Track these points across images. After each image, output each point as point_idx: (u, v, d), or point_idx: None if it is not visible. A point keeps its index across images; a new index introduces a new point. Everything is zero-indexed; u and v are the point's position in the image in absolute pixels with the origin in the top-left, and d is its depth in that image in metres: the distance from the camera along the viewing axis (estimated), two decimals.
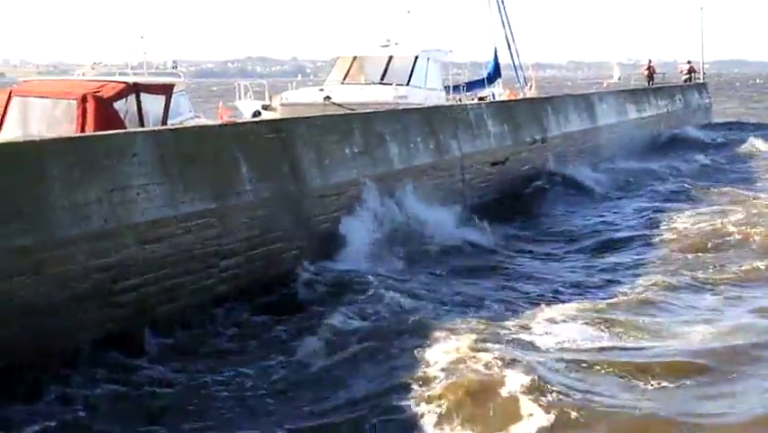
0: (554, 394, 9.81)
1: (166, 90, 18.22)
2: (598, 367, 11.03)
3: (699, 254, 17.70)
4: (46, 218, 11.23)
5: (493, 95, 30.95)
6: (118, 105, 16.92)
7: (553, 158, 28.87)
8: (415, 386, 10.42)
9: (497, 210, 22.69)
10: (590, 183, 27.72)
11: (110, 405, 10.40)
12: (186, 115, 19.59)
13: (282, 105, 24.99)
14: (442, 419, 9.66)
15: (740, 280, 15.61)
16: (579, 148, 32.21)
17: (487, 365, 10.57)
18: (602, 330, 12.70)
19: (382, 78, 26.35)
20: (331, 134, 17.87)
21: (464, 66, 34.74)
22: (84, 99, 16.38)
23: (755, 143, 40.34)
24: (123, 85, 17.36)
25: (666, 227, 20.57)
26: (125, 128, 16.15)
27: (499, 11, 33.67)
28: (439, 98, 27.24)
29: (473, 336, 11.73)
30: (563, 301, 14.62)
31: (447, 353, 11.17)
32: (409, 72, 26.42)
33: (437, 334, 12.02)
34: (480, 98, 29.43)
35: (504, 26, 33.71)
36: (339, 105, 23.53)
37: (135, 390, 10.86)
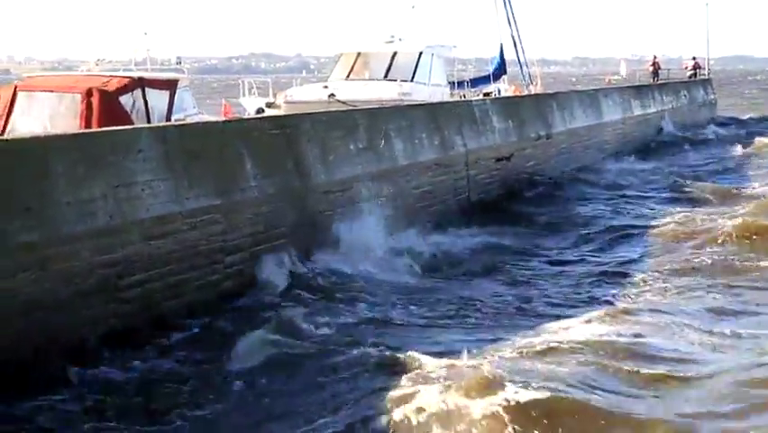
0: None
1: (170, 85, 18.24)
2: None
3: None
4: (51, 214, 11.24)
5: (499, 90, 30.94)
6: (124, 99, 16.95)
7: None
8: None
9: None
10: None
11: (115, 400, 10.40)
12: (189, 111, 19.59)
13: (286, 102, 24.98)
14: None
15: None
16: (584, 144, 32.20)
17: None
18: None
19: (386, 75, 26.35)
20: (335, 130, 17.86)
21: (469, 62, 34.77)
22: (89, 93, 16.42)
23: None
24: (129, 79, 17.40)
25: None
26: (132, 123, 16.18)
27: (505, 7, 33.69)
28: (443, 94, 27.23)
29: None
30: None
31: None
32: (413, 68, 26.43)
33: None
34: (486, 94, 29.42)
35: (510, 23, 33.70)
36: (343, 102, 23.51)
37: (140, 384, 10.86)
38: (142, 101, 17.28)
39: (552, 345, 11.58)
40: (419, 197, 20.27)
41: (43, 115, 16.81)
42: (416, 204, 20.00)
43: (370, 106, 21.22)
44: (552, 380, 10.09)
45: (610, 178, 29.30)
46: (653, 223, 20.97)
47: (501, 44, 32.59)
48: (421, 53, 26.74)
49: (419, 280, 16.17)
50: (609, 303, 14.35)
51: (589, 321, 13.08)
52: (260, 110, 24.18)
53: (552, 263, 17.67)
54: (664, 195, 25.81)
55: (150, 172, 12.96)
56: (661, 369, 10.87)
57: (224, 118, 20.28)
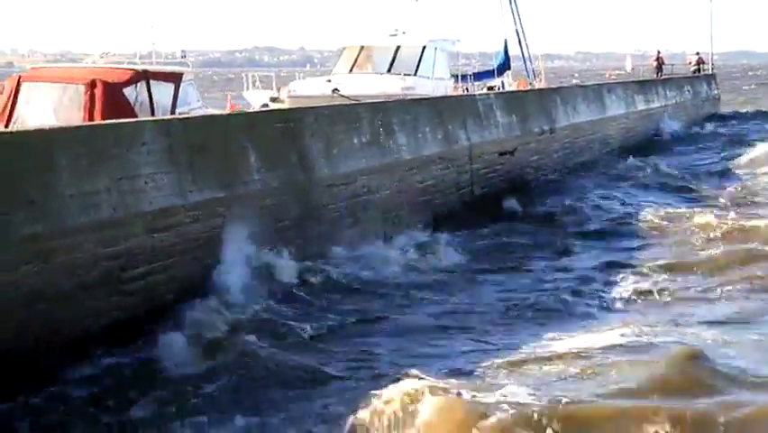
0: None
1: (175, 79, 18.22)
2: None
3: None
4: (55, 207, 11.22)
5: (503, 83, 30.93)
6: (127, 91, 16.91)
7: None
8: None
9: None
10: None
11: (118, 392, 10.40)
12: (194, 105, 19.57)
13: (290, 97, 24.96)
14: None
15: None
16: (587, 139, 32.19)
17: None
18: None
19: (390, 68, 26.31)
20: (339, 124, 17.85)
21: (473, 56, 34.73)
22: (93, 85, 16.39)
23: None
24: (133, 71, 17.37)
25: None
26: (135, 115, 16.16)
27: (510, 2, 33.63)
28: (446, 88, 27.20)
29: None
30: None
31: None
32: (417, 62, 26.38)
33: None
34: (489, 88, 29.40)
35: (514, 18, 33.68)
36: (347, 97, 23.47)
37: (143, 377, 10.86)
38: (146, 94, 17.25)
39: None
40: (423, 190, 20.26)
41: (47, 106, 16.79)
42: (419, 198, 20.00)
43: (374, 101, 21.20)
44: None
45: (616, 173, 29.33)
46: (657, 216, 20.99)
47: (506, 39, 32.58)
48: (425, 47, 26.70)
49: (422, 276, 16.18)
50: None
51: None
52: (264, 106, 24.16)
53: (553, 259, 17.71)
54: (671, 191, 25.83)
55: (154, 165, 12.95)
56: None
57: (228, 112, 20.28)
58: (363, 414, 9.34)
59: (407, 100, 22.10)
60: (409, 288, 15.20)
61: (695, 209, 21.60)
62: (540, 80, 34.32)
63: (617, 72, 57.24)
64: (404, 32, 27.51)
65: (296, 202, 15.91)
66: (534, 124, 27.49)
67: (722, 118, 51.05)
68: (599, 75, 69.03)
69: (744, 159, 32.84)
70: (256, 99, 25.38)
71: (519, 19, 33.78)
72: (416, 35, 27.39)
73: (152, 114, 16.94)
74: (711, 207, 22.06)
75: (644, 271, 16.08)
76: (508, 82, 31.93)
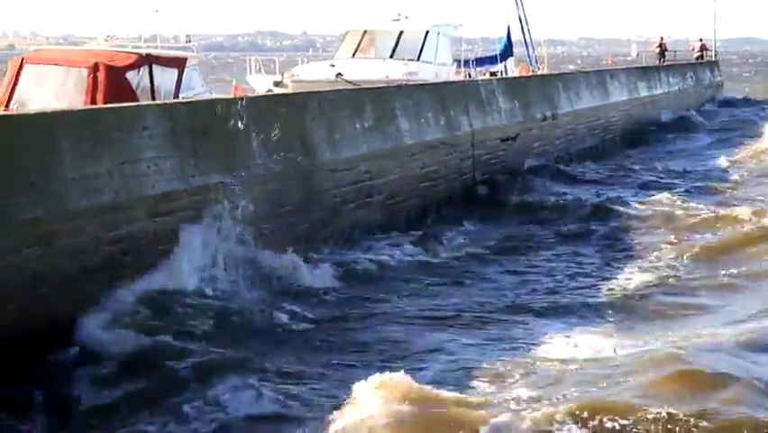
0: None
1: (179, 63, 18.13)
2: None
3: None
4: (56, 190, 11.22)
5: (505, 69, 30.88)
6: (130, 75, 16.84)
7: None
8: None
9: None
10: None
11: (121, 377, 10.41)
12: (198, 89, 19.48)
13: (293, 81, 24.91)
14: None
15: None
16: (590, 125, 32.14)
17: None
18: None
19: (392, 53, 26.25)
20: (342, 109, 17.83)
21: (475, 42, 34.64)
22: (95, 68, 16.33)
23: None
24: (136, 56, 17.29)
25: None
26: (137, 100, 16.11)
27: None
28: (449, 73, 27.15)
29: None
30: None
31: None
32: (420, 47, 26.33)
33: None
34: (492, 74, 29.34)
35: (517, 3, 33.59)
36: (350, 82, 23.45)
37: (146, 363, 10.86)
38: (149, 78, 17.19)
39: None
40: (425, 176, 20.24)
41: (49, 89, 16.72)
42: (421, 183, 19.98)
43: (377, 86, 21.17)
44: None
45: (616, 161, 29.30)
46: (658, 204, 20.99)
47: (508, 25, 32.49)
48: (427, 32, 26.64)
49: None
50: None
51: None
52: (269, 91, 24.11)
53: (556, 246, 17.69)
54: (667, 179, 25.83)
55: (156, 149, 12.94)
56: None
57: (231, 96, 20.22)
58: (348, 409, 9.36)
59: (410, 85, 22.08)
60: (410, 274, 15.19)
61: (699, 203, 21.58)
62: (543, 66, 34.23)
63: (621, 58, 57.01)
64: (407, 17, 27.46)
65: (298, 187, 15.90)
66: (537, 110, 27.44)
67: (727, 104, 51.06)
68: (603, 61, 68.86)
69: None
70: (260, 84, 25.34)
71: (522, 4, 33.69)
72: (419, 20, 27.34)
73: (153, 98, 16.88)
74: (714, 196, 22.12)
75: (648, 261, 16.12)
76: (511, 68, 31.86)
